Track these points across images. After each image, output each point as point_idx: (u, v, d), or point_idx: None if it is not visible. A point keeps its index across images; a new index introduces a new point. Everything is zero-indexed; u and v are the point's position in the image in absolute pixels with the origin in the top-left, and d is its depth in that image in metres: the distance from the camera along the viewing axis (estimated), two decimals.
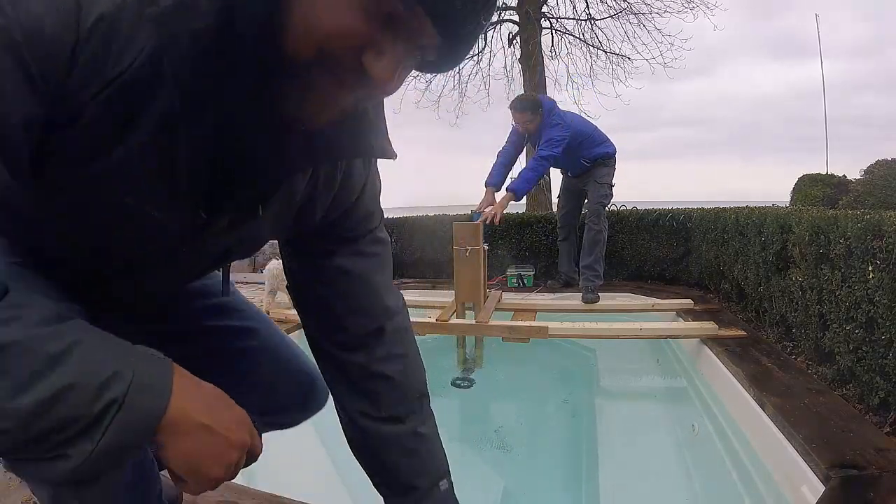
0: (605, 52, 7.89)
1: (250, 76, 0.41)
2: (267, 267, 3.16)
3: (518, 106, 3.05)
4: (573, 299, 3.14)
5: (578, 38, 8.06)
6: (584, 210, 3.42)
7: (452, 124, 8.43)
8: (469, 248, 2.47)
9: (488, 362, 2.54)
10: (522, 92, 7.91)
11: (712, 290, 3.25)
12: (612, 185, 3.29)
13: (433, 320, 2.46)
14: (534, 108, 3.01)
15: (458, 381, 2.37)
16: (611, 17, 7.69)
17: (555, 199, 7.81)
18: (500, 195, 3.07)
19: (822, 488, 1.14)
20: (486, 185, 3.10)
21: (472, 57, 8.22)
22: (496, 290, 3.25)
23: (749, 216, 2.50)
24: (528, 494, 1.64)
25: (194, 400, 0.46)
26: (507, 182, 3.12)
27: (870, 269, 1.46)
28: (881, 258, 1.41)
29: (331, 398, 0.80)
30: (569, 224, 3.62)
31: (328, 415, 2.39)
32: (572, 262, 3.63)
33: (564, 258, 3.69)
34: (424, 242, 4.43)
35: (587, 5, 7.82)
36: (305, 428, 2.31)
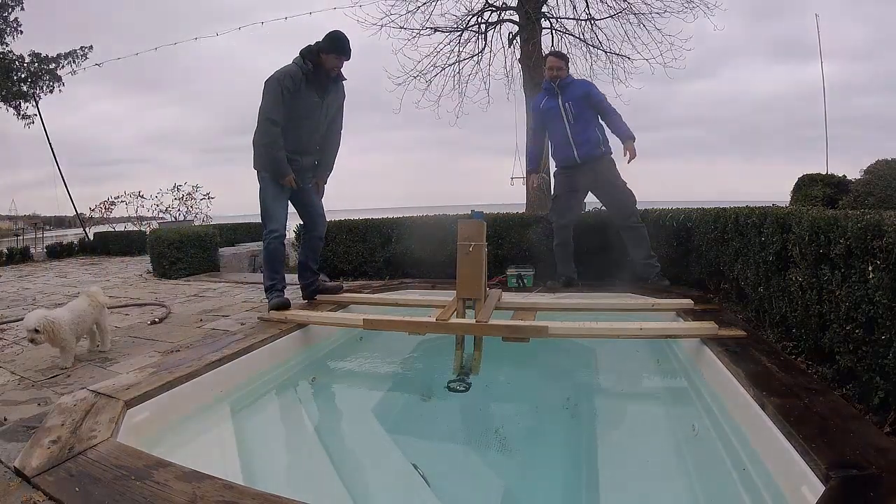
0: (605, 52, 7.89)
1: None
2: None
3: (557, 53, 3.92)
4: (573, 299, 3.14)
5: (578, 38, 8.06)
6: (610, 211, 3.73)
7: (452, 124, 8.42)
8: (472, 244, 2.49)
9: (488, 362, 2.54)
10: (523, 92, 7.93)
11: (712, 290, 3.25)
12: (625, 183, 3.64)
13: (433, 320, 2.46)
14: (567, 61, 3.82)
15: (453, 385, 2.36)
16: (611, 17, 7.69)
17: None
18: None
19: (822, 488, 1.14)
20: (529, 172, 4.01)
21: (472, 57, 8.22)
22: (496, 290, 3.25)
23: (749, 216, 2.50)
24: (528, 494, 1.64)
25: None
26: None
27: (870, 269, 1.46)
28: (881, 258, 1.41)
29: None
30: (569, 227, 3.70)
31: (328, 415, 2.42)
32: (572, 263, 3.69)
33: (564, 260, 3.73)
34: (424, 242, 4.43)
35: (587, 5, 7.82)
36: (305, 428, 2.32)
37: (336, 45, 3.06)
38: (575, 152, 3.57)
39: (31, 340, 2.22)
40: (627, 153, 3.50)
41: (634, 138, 3.51)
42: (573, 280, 3.67)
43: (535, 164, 3.91)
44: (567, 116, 3.56)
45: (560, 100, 3.59)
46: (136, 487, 1.23)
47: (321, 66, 3.07)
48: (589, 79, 4.00)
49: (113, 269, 6.96)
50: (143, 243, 8.63)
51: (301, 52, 3.08)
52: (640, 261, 3.55)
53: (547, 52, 4.16)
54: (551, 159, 3.95)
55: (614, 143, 3.62)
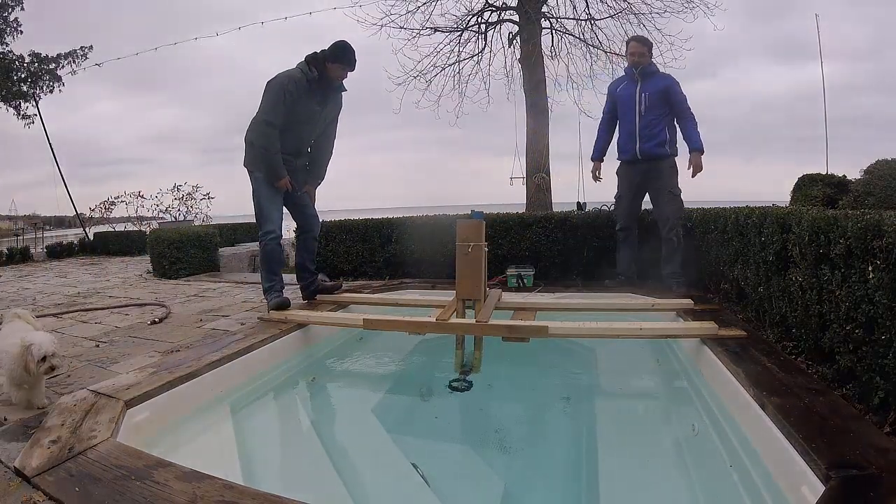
0: (605, 52, 7.87)
1: None
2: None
3: (639, 38, 3.75)
4: (573, 299, 3.14)
5: (578, 38, 8.04)
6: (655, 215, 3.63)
7: (452, 124, 8.41)
8: (471, 244, 2.49)
9: (488, 362, 2.54)
10: (523, 92, 7.93)
11: (712, 290, 3.25)
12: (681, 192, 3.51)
13: (433, 320, 2.46)
14: (650, 47, 3.68)
15: (454, 384, 2.36)
16: (611, 17, 7.67)
17: (557, 200, 7.82)
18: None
19: (822, 488, 1.14)
20: (593, 159, 3.79)
21: (472, 57, 8.21)
22: (496, 290, 3.25)
23: (749, 216, 2.50)
24: (528, 494, 1.64)
25: None
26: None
27: (870, 269, 1.46)
28: (881, 258, 1.41)
29: None
30: (633, 223, 3.64)
31: (328, 415, 2.42)
32: (633, 262, 3.64)
33: (626, 259, 3.66)
34: (424, 242, 4.43)
35: (587, 5, 7.81)
36: (305, 428, 2.32)
37: (342, 56, 3.07)
38: (638, 146, 3.45)
39: (53, 368, 1.72)
40: (692, 166, 3.38)
41: (703, 151, 3.38)
42: (634, 280, 3.60)
43: (599, 153, 3.74)
44: (640, 107, 3.42)
45: (638, 88, 3.45)
46: (136, 487, 1.23)
47: (325, 74, 3.07)
48: (666, 73, 3.73)
49: (113, 269, 6.96)
50: (143, 243, 8.63)
51: (306, 59, 3.08)
52: (667, 272, 3.51)
53: (628, 38, 3.97)
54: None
55: (682, 149, 3.55)
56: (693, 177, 3.42)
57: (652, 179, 3.48)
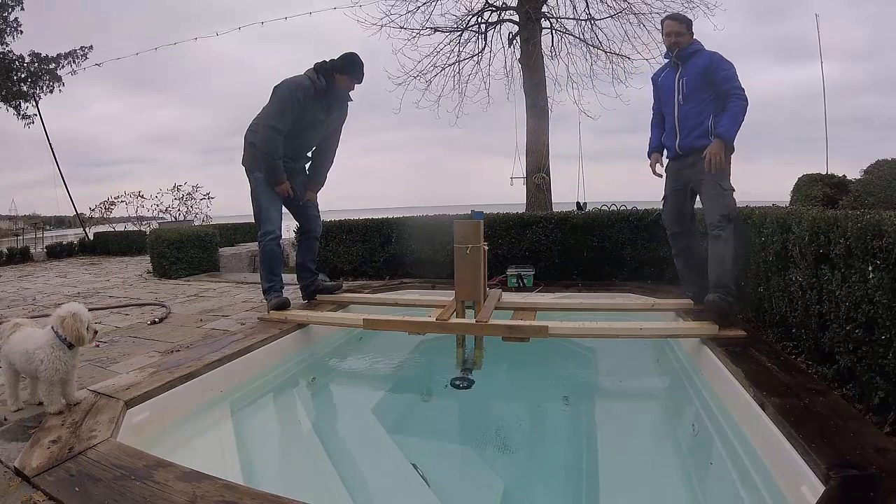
0: (605, 52, 7.87)
1: None
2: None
3: (675, 15, 3.15)
4: (573, 299, 3.13)
5: (578, 38, 8.04)
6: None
7: (452, 124, 8.41)
8: (469, 246, 2.48)
9: (488, 362, 2.54)
10: (523, 91, 7.94)
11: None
12: (732, 190, 2.73)
13: (433, 320, 2.46)
14: (689, 24, 3.05)
15: (456, 382, 2.37)
16: (611, 17, 7.67)
17: (557, 200, 7.83)
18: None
19: (822, 488, 1.14)
20: (649, 154, 3.11)
21: (472, 57, 8.22)
22: (496, 290, 3.25)
23: (749, 216, 2.50)
24: (528, 494, 1.65)
25: None
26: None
27: (870, 269, 1.46)
28: (881, 258, 1.41)
29: None
30: (686, 235, 2.99)
31: (328, 415, 2.41)
32: (697, 278, 2.90)
33: (685, 276, 3.01)
34: (424, 242, 4.43)
35: (587, 5, 7.80)
36: (305, 428, 2.31)
37: (352, 68, 3.10)
38: (678, 140, 2.86)
39: (96, 332, 1.76)
40: (707, 153, 2.62)
41: (727, 139, 2.62)
42: (705, 294, 2.70)
43: (654, 146, 3.07)
44: (678, 96, 2.86)
45: (678, 74, 2.89)
46: (136, 487, 1.23)
47: (333, 84, 3.08)
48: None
49: (113, 269, 6.96)
50: (143, 243, 8.64)
51: (315, 67, 3.08)
52: (713, 282, 2.61)
53: (663, 17, 3.23)
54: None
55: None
56: (707, 167, 2.63)
57: (696, 173, 2.80)
